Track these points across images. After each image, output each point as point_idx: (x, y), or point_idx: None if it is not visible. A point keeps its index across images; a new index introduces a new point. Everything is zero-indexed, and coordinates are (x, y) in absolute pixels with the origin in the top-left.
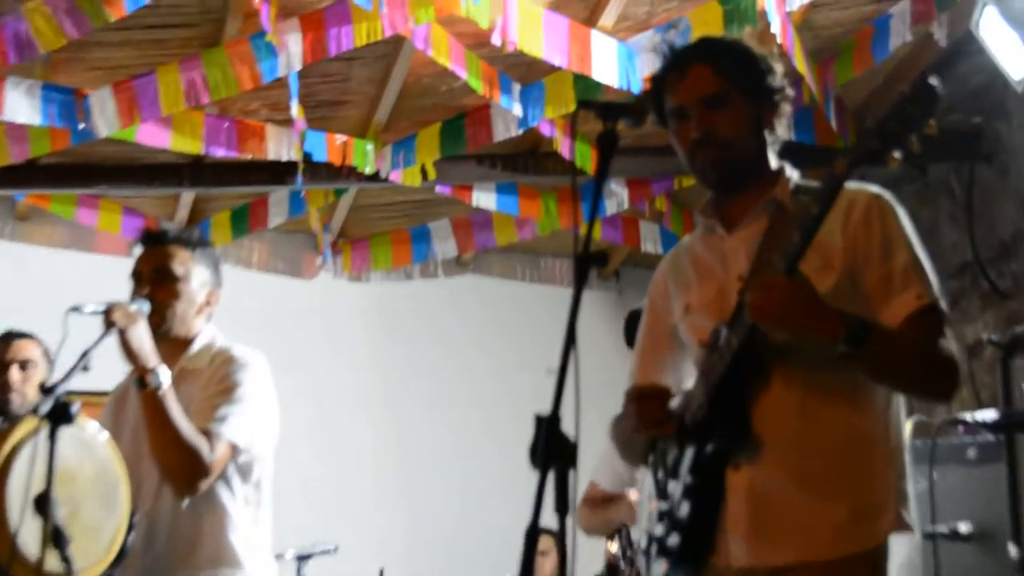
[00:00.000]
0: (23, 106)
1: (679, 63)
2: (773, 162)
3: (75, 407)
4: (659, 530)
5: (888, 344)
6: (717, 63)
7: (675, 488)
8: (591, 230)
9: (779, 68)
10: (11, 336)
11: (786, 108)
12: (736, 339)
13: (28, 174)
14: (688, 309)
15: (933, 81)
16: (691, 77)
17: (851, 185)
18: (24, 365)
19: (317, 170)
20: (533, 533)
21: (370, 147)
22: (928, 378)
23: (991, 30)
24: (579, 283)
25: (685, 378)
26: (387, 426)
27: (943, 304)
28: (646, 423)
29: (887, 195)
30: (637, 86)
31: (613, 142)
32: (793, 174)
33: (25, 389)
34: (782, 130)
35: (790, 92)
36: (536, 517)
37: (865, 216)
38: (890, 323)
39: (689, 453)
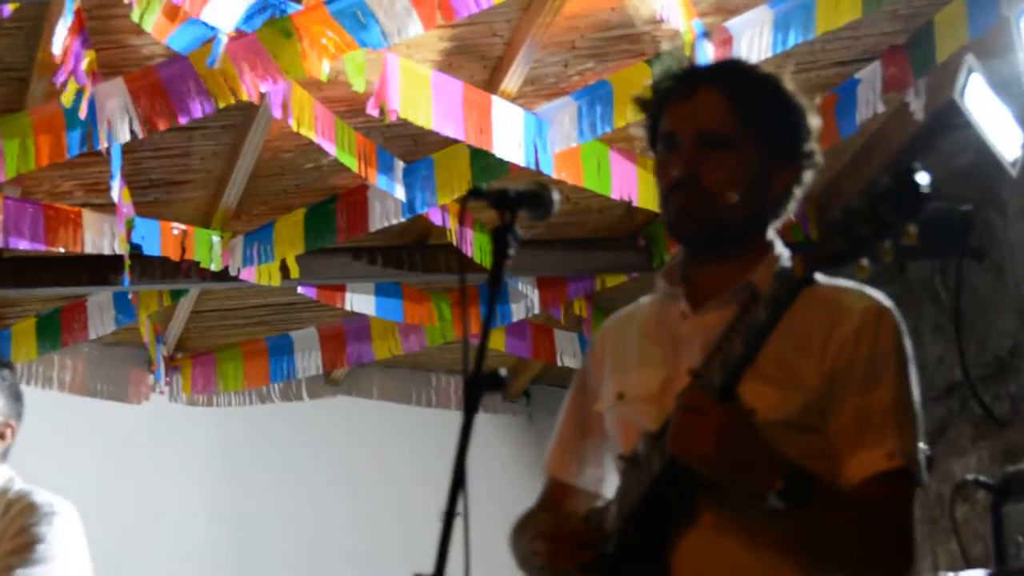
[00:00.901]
0: None
1: (689, 81)
2: (767, 235)
3: None
4: None
5: (833, 510)
6: (734, 93)
7: None
8: (484, 343)
9: (815, 125)
10: None
11: (807, 178)
12: (658, 461)
13: None
14: (621, 398)
15: (918, 173)
16: (697, 101)
17: (848, 285)
18: None
19: (149, 266)
20: None
21: (216, 238)
22: (869, 560)
23: (977, 101)
24: (469, 411)
25: (608, 476)
26: None
27: (920, 468)
28: (556, 571)
29: (892, 310)
30: (548, 166)
31: (510, 239)
32: (783, 253)
33: None
34: (793, 205)
35: (818, 160)
36: None
37: (858, 329)
38: (849, 477)
39: None
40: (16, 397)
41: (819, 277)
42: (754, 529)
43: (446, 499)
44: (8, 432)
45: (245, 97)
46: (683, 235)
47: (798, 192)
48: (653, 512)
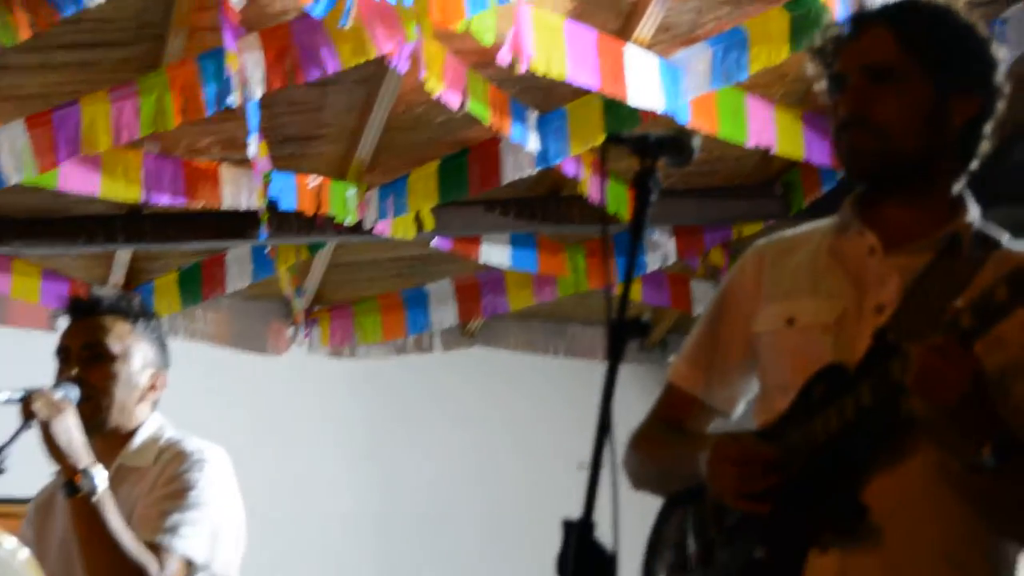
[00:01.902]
0: None
1: (858, 22)
2: (956, 186)
3: None
4: None
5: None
6: (900, 26)
7: (730, 558)
8: (627, 291)
9: (999, 55)
10: None
11: (995, 112)
12: (871, 395)
13: None
14: (791, 323)
15: None
16: (864, 40)
17: None
18: None
19: (285, 221)
20: None
21: (351, 192)
22: None
23: None
24: (614, 358)
25: (740, 397)
26: (381, 539)
27: None
28: (741, 495)
29: None
30: (684, 114)
31: (651, 185)
32: (975, 211)
33: None
34: (985, 144)
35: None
36: None
37: None
38: None
39: (763, 519)
40: (164, 348)
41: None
42: (959, 480)
43: (592, 447)
44: (159, 382)
45: (375, 55)
46: (857, 174)
47: (986, 128)
48: (850, 446)
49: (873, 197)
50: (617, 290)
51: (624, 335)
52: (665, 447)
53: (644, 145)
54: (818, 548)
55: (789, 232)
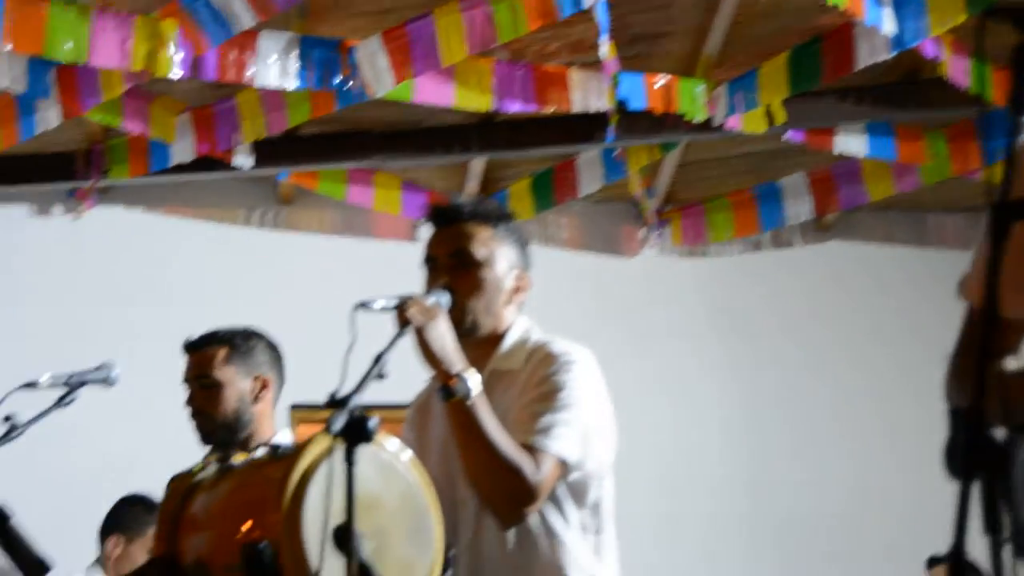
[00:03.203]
0: (278, 67)
1: None
2: None
3: (373, 422)
4: None
5: None
6: None
7: None
8: (1010, 172)
9: None
10: (196, 345)
11: None
12: None
13: (289, 148)
14: None
15: None
16: None
17: None
18: (206, 381)
19: (635, 122)
20: (958, 565)
21: (700, 88)
22: None
23: None
24: (998, 241)
25: None
26: (740, 434)
27: None
28: None
29: None
30: None
31: None
32: None
33: (210, 410)
34: None
35: None
36: (960, 544)
37: None
38: None
39: None
40: (526, 249)
41: None
42: None
43: (980, 334)
44: (523, 284)
45: None
46: None
47: None
48: None
49: None
50: (983, 175)
51: (1008, 216)
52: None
53: None
54: None
55: None
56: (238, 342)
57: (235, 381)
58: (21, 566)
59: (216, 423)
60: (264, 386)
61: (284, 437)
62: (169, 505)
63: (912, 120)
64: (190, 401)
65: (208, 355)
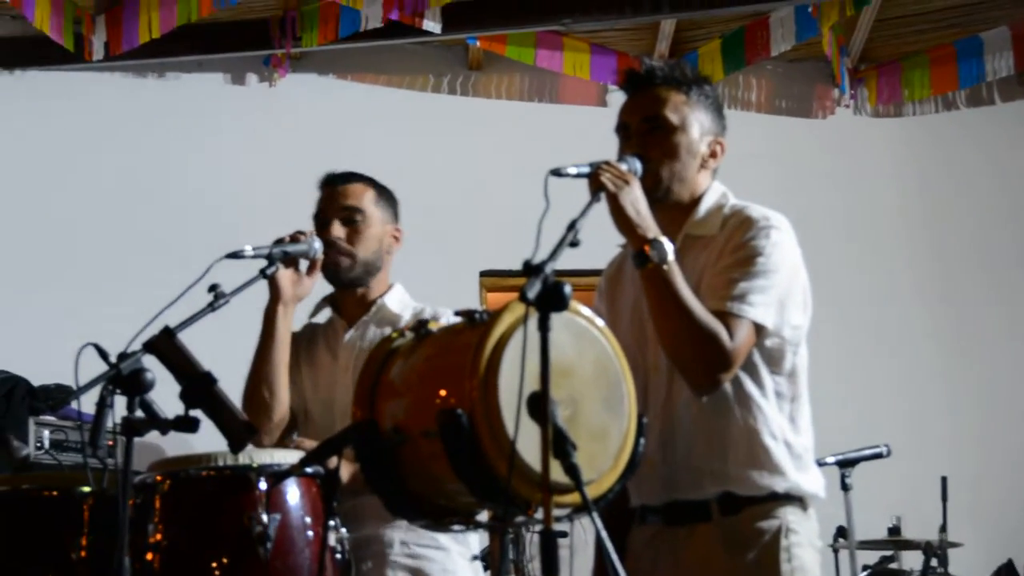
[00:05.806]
0: None
1: None
2: None
3: (567, 289)
4: None
5: None
6: None
7: None
8: None
9: None
10: (344, 177)
11: None
12: None
13: (478, 12)
14: None
15: None
16: None
17: None
18: (356, 214)
19: None
20: None
21: None
22: None
23: None
24: None
25: None
26: (946, 310)
27: None
28: None
29: None
30: None
31: None
32: None
33: (353, 248)
34: None
35: None
36: None
37: None
38: None
39: None
40: (720, 114)
41: None
42: None
43: None
44: (718, 149)
45: None
46: None
47: None
48: None
49: None
50: None
51: None
52: None
53: None
54: None
55: None
56: (382, 188)
57: (379, 223)
58: (226, 430)
59: (356, 259)
60: (396, 239)
61: (397, 293)
62: (368, 371)
63: None
64: (327, 234)
65: (359, 189)
